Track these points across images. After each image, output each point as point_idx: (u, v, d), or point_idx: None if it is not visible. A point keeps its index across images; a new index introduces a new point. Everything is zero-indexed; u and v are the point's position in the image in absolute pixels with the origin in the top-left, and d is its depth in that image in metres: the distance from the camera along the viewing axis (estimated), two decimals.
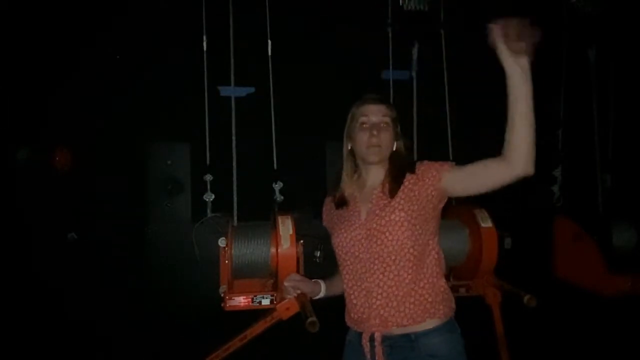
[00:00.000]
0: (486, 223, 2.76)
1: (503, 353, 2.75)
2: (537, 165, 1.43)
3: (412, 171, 1.63)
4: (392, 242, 1.56)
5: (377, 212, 1.61)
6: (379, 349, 1.56)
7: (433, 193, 1.59)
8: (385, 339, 1.57)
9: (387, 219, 1.58)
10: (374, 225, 1.59)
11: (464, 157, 3.61)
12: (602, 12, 3.60)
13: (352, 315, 1.66)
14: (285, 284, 1.78)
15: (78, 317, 3.54)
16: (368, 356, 1.59)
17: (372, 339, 1.58)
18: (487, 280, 2.75)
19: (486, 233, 2.74)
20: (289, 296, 1.87)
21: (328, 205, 1.83)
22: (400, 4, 3.47)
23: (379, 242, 1.58)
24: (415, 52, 3.58)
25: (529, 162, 1.42)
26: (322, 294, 1.82)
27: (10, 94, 3.70)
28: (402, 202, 1.59)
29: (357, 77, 3.90)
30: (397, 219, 1.57)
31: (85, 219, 3.98)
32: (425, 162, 1.64)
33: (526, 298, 2.45)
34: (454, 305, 1.64)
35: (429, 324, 1.56)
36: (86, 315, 3.55)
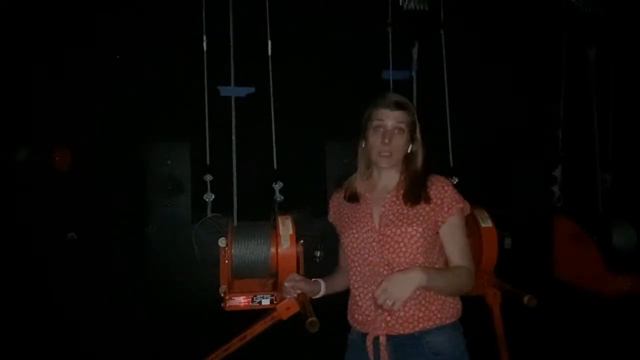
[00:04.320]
0: (486, 223, 2.76)
1: (503, 353, 2.75)
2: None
3: (436, 187, 1.62)
4: (406, 254, 1.56)
5: (392, 218, 1.60)
6: (384, 353, 1.56)
7: (439, 226, 1.61)
8: (390, 338, 1.57)
9: (403, 229, 1.57)
10: (388, 233, 1.58)
11: (464, 157, 3.63)
12: (602, 12, 3.60)
13: (356, 316, 1.65)
14: (285, 284, 1.78)
15: (78, 317, 3.55)
16: (372, 358, 1.59)
17: (376, 340, 1.58)
18: (487, 280, 2.75)
19: (486, 233, 2.74)
20: (289, 296, 1.87)
21: (336, 201, 1.80)
22: (400, 4, 3.47)
23: (391, 250, 1.57)
24: (415, 52, 3.58)
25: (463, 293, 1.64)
26: (322, 293, 1.82)
27: (10, 94, 3.70)
28: (421, 218, 1.58)
29: (357, 77, 3.90)
30: (414, 232, 1.56)
31: (85, 219, 3.98)
32: (450, 189, 1.62)
33: (526, 298, 2.45)
34: (460, 311, 1.65)
35: (434, 324, 1.57)
36: (86, 315, 3.55)
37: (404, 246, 1.56)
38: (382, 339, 1.56)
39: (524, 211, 4.08)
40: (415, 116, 1.68)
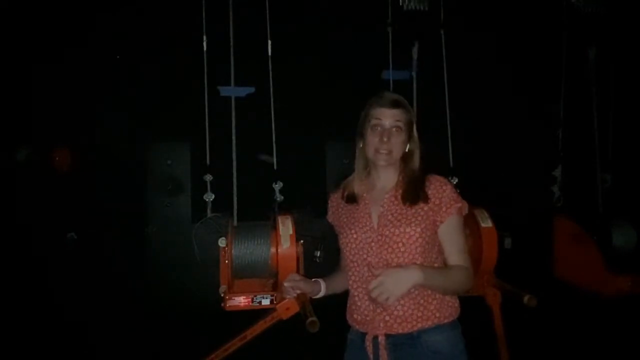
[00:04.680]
0: (486, 223, 2.77)
1: (503, 353, 2.75)
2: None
3: (435, 187, 1.62)
4: (404, 254, 1.56)
5: (390, 218, 1.60)
6: (383, 352, 1.56)
7: (438, 225, 1.61)
8: (389, 337, 1.57)
9: (402, 229, 1.57)
10: (387, 233, 1.58)
11: (464, 157, 3.63)
12: (602, 12, 3.60)
13: (355, 316, 1.65)
14: (285, 284, 1.78)
15: (78, 317, 3.54)
16: (371, 357, 1.59)
17: (375, 340, 1.58)
18: (487, 280, 2.75)
19: (486, 233, 2.74)
20: (288, 296, 1.87)
21: (334, 201, 1.80)
22: (400, 4, 3.47)
23: (390, 250, 1.57)
24: (415, 52, 3.58)
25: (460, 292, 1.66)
26: (322, 293, 1.82)
27: (10, 94, 3.70)
28: (419, 218, 1.58)
29: (357, 77, 3.90)
30: (413, 232, 1.56)
31: (85, 219, 3.98)
32: (449, 189, 1.62)
33: (526, 298, 2.45)
34: (458, 311, 1.65)
35: (433, 324, 1.57)
36: (86, 315, 3.55)
37: (403, 246, 1.56)
38: (381, 339, 1.57)
39: (524, 211, 4.07)
40: (412, 115, 1.68)
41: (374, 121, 1.64)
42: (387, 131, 1.62)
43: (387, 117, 1.63)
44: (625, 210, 3.61)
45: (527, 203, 4.15)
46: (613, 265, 3.18)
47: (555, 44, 3.72)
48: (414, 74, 3.55)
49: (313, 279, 1.81)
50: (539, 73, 4.10)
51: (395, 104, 1.64)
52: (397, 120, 1.63)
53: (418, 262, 1.55)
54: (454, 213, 1.60)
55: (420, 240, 1.56)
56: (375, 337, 1.58)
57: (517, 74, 4.20)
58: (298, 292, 1.79)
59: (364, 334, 1.61)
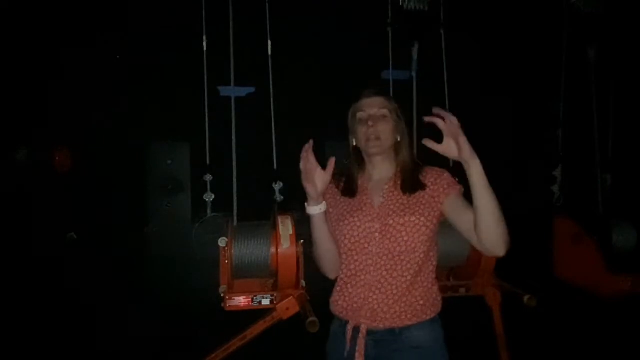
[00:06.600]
0: None
1: (503, 353, 2.75)
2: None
3: (432, 176, 1.63)
4: (407, 243, 1.57)
5: (393, 208, 1.61)
6: (361, 341, 1.56)
7: (440, 208, 1.61)
8: (370, 332, 1.57)
9: (406, 218, 1.58)
10: (391, 222, 1.58)
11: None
12: (602, 12, 3.60)
13: (341, 302, 1.63)
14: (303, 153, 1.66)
15: (77, 317, 3.55)
16: (349, 344, 1.58)
17: (356, 330, 1.59)
18: (487, 280, 2.75)
19: None
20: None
21: (331, 190, 1.74)
22: (400, 4, 3.47)
23: (393, 239, 1.57)
24: (415, 52, 3.58)
25: (497, 246, 1.50)
26: (321, 208, 1.63)
27: (10, 94, 3.70)
28: (422, 207, 1.59)
29: (357, 77, 3.90)
30: (417, 222, 1.57)
31: (85, 219, 3.98)
32: (446, 174, 1.63)
33: (526, 298, 2.46)
34: (440, 307, 1.65)
35: (417, 320, 1.58)
36: (86, 315, 3.55)
37: (406, 235, 1.57)
38: (363, 328, 1.56)
39: (524, 211, 4.08)
40: (397, 106, 1.70)
41: (359, 114, 1.67)
42: (372, 117, 1.64)
43: (371, 106, 1.66)
44: (625, 210, 3.61)
45: (527, 203, 4.15)
46: (613, 265, 3.18)
47: (555, 44, 3.72)
48: (414, 74, 3.55)
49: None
50: (539, 73, 4.11)
51: (375, 93, 1.68)
52: (382, 108, 1.65)
53: (420, 252, 1.57)
54: (454, 192, 1.60)
55: (424, 229, 1.57)
56: (357, 327, 1.58)
57: (517, 73, 4.20)
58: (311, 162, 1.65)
59: (346, 323, 1.61)
